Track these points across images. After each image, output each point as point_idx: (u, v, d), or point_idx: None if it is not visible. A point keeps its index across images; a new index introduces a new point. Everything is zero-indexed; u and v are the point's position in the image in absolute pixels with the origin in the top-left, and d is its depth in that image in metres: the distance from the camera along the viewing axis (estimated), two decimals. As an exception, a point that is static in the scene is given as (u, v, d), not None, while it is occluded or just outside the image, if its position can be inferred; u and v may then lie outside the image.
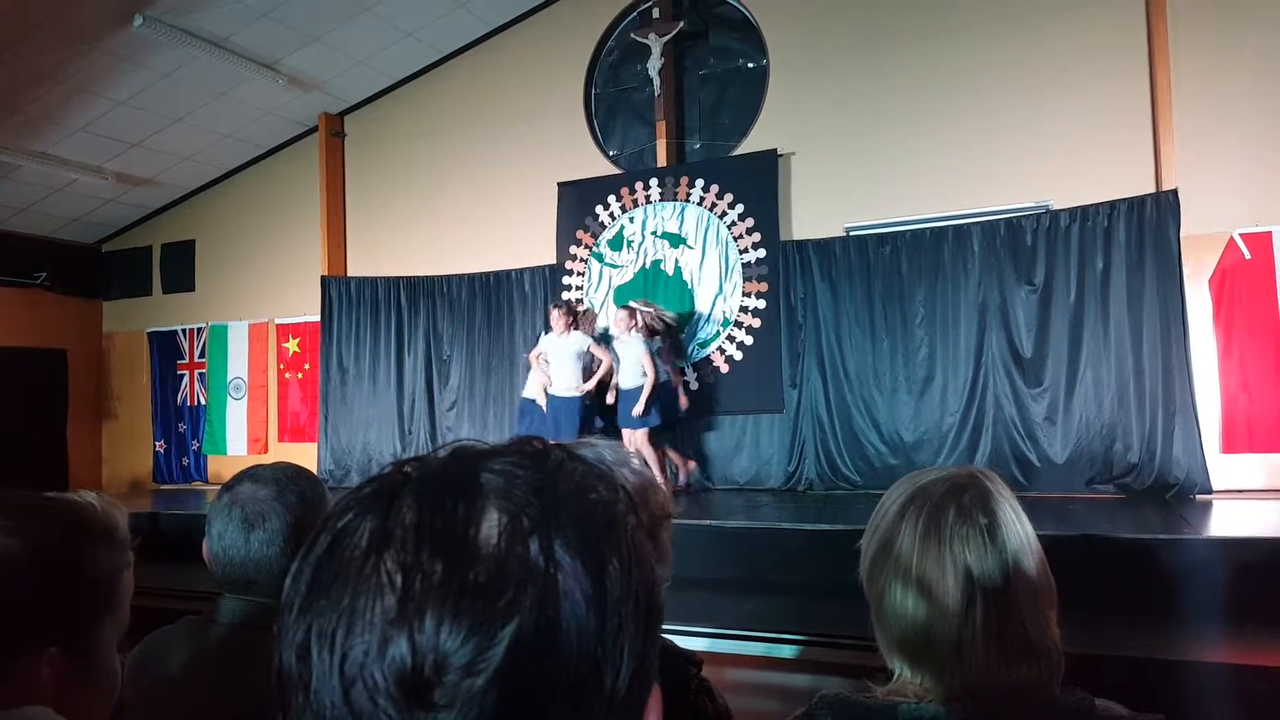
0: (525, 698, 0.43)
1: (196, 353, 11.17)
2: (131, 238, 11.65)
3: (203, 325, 11.12)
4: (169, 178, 10.69)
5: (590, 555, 0.47)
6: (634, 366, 7.51)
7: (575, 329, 7.84)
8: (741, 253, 8.35)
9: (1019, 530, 1.09)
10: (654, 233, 8.70)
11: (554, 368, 7.80)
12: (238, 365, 10.90)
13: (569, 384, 7.72)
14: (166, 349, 11.33)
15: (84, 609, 1.05)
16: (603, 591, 0.46)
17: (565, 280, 9.03)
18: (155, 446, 11.32)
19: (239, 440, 10.79)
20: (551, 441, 0.54)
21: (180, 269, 11.34)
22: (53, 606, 1.02)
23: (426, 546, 0.45)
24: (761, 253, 8.28)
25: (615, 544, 0.48)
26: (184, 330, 11.24)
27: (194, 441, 11.10)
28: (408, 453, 9.62)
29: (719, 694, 1.45)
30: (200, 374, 11.12)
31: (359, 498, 0.49)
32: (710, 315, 8.45)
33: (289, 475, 1.61)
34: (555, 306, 7.95)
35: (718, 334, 8.41)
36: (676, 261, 8.61)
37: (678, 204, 8.61)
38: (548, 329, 8.04)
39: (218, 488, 1.62)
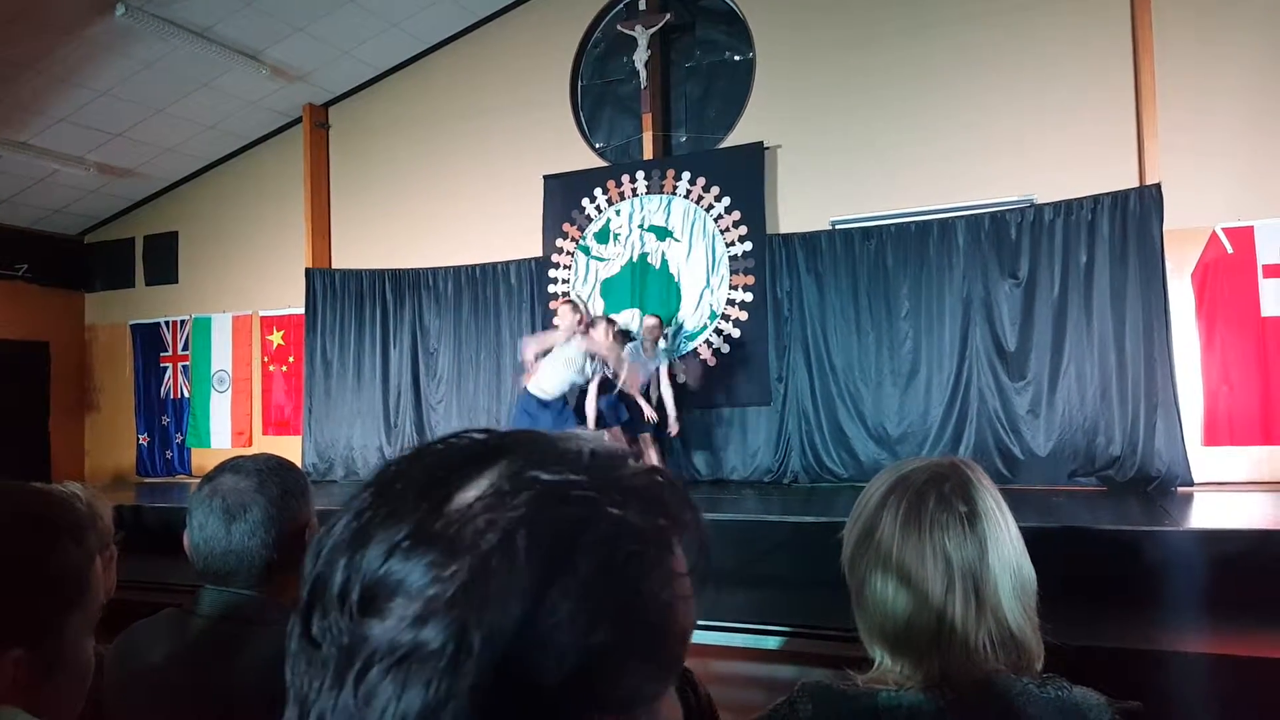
0: (424, 659, 0.44)
1: (180, 345, 11.10)
2: (114, 229, 11.56)
3: (186, 317, 11.05)
4: (152, 169, 10.61)
5: (552, 557, 0.46)
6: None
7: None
8: (728, 246, 8.36)
9: (999, 519, 1.10)
10: (640, 226, 8.69)
11: (558, 369, 7.25)
12: (221, 358, 10.84)
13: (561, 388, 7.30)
14: (149, 341, 11.25)
15: (49, 608, 1.01)
16: (544, 594, 0.45)
17: (551, 273, 9.02)
18: (138, 439, 11.25)
19: (223, 433, 10.74)
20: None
21: (163, 261, 11.26)
22: (14, 607, 0.99)
23: (413, 489, 0.49)
24: (748, 246, 8.29)
25: (598, 556, 0.47)
26: (167, 323, 11.17)
27: (177, 434, 11.04)
28: (393, 447, 9.62)
29: (702, 685, 1.45)
30: (184, 366, 11.05)
31: (421, 445, 0.53)
32: (697, 309, 8.45)
33: (271, 467, 1.60)
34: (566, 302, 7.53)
35: (705, 327, 8.41)
36: (663, 254, 8.60)
37: (664, 197, 8.60)
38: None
39: (200, 480, 1.61)
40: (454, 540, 0.46)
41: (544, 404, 7.21)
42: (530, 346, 7.45)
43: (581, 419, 7.30)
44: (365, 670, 0.45)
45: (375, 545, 0.47)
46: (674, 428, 7.69)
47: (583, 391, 7.39)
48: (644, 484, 0.52)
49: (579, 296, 8.07)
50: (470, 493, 0.48)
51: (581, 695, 0.46)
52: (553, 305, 7.82)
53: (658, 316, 7.91)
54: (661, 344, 7.82)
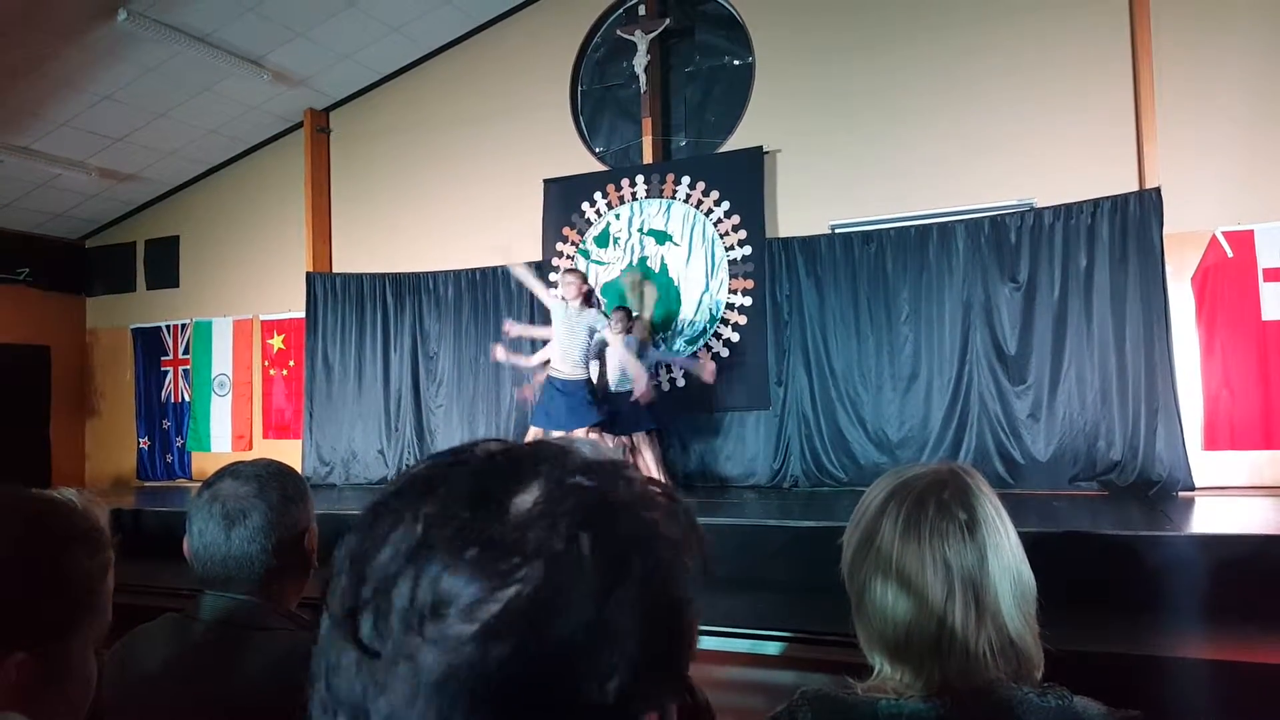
0: (505, 661, 0.45)
1: (181, 349, 11.10)
2: (115, 234, 11.57)
3: (187, 321, 11.06)
4: (153, 173, 10.62)
5: (611, 561, 0.48)
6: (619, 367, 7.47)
7: (590, 305, 7.51)
8: (728, 250, 8.36)
9: (999, 526, 1.10)
10: (640, 230, 8.69)
11: (559, 342, 7.26)
12: (222, 362, 10.85)
13: (576, 363, 7.25)
14: (150, 345, 11.26)
15: (58, 614, 1.01)
16: (608, 598, 0.47)
17: (552, 277, 9.00)
18: (139, 443, 11.25)
19: (223, 437, 10.74)
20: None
21: (164, 265, 11.27)
22: (26, 611, 0.99)
23: (465, 499, 0.49)
24: (747, 250, 8.29)
25: (642, 562, 0.49)
26: (168, 326, 11.17)
27: (178, 438, 11.04)
28: (393, 451, 9.63)
29: (699, 689, 1.45)
30: (184, 370, 11.06)
31: (441, 456, 0.53)
32: (697, 312, 8.45)
33: (270, 472, 1.61)
34: (570, 271, 7.63)
35: (704, 331, 8.41)
36: (663, 259, 8.61)
37: (664, 201, 8.61)
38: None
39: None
40: (519, 546, 0.47)
41: (561, 390, 7.21)
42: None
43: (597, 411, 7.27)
44: (444, 682, 0.45)
45: (440, 555, 0.47)
46: (640, 390, 7.17)
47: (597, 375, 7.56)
48: (658, 494, 0.54)
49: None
50: (526, 498, 0.49)
51: (634, 696, 0.48)
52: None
53: (623, 309, 7.68)
54: (629, 335, 7.44)
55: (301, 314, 10.11)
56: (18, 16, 7.48)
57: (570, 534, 0.47)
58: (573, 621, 0.46)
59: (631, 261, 8.69)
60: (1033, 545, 1.14)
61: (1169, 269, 6.96)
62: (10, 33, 7.63)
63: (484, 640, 0.45)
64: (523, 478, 0.50)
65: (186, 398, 11.01)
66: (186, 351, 11.05)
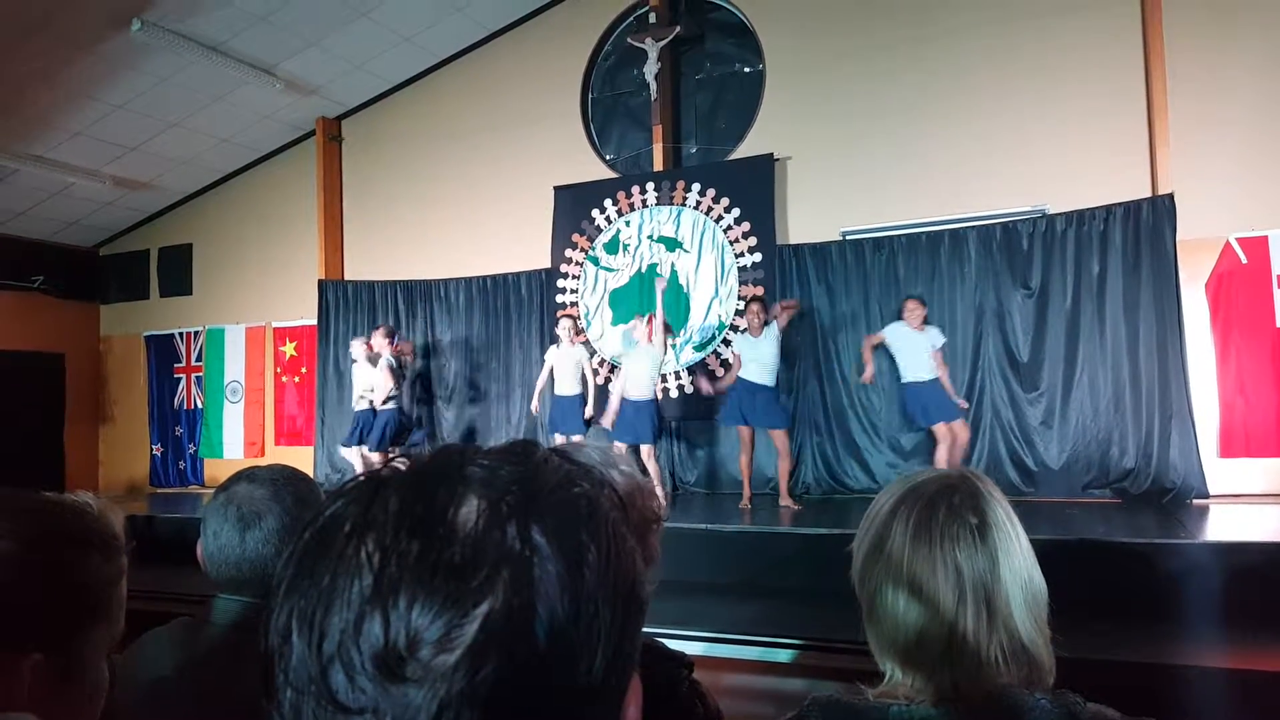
0: (497, 677, 0.44)
1: (194, 356, 11.16)
2: (129, 241, 11.65)
3: (200, 329, 11.11)
4: (166, 181, 10.69)
5: (568, 542, 0.48)
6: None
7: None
8: (738, 257, 8.36)
9: (1009, 531, 1.09)
10: (650, 237, 8.70)
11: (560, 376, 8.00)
12: (235, 369, 10.90)
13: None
14: (163, 352, 11.32)
15: (74, 617, 1.02)
16: (579, 578, 0.47)
17: (560, 284, 9.03)
18: (152, 450, 11.30)
19: (235, 444, 10.78)
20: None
21: (177, 273, 11.34)
22: (40, 612, 0.99)
23: (405, 529, 0.47)
24: (758, 257, 8.28)
25: (595, 534, 0.49)
26: (181, 334, 11.23)
27: (191, 445, 11.09)
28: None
29: (710, 696, 1.45)
30: (197, 377, 11.11)
31: (348, 488, 0.51)
32: (706, 319, 8.44)
33: (285, 476, 1.61)
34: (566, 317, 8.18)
35: (714, 338, 8.40)
36: (673, 266, 8.61)
37: (674, 208, 8.61)
38: (554, 341, 8.26)
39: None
40: (479, 560, 0.46)
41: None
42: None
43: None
44: (440, 715, 0.43)
45: (404, 591, 0.44)
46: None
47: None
48: (574, 465, 0.54)
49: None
50: (467, 510, 0.47)
51: (616, 668, 0.48)
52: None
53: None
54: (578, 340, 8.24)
55: (313, 321, 10.15)
56: (33, 27, 7.55)
57: (523, 532, 0.47)
58: (551, 614, 0.45)
59: (641, 269, 8.70)
60: (1046, 553, 1.13)
61: (1182, 275, 6.93)
62: (25, 43, 7.69)
63: (471, 664, 0.43)
64: (453, 489, 0.48)
65: (199, 404, 11.06)
66: (199, 358, 11.11)
